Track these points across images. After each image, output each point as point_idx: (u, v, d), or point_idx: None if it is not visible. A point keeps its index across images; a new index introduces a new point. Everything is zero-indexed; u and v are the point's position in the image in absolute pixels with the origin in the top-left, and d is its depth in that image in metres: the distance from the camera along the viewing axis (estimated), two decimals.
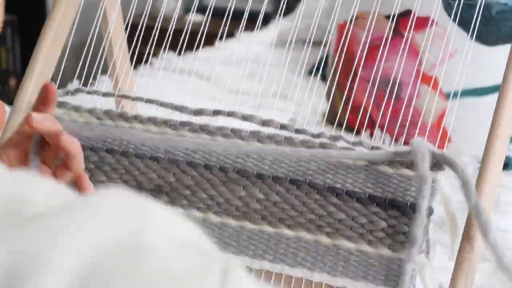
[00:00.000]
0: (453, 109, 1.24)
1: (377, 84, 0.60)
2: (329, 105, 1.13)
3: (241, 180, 0.77)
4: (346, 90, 0.75)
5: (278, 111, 1.31)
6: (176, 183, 0.80)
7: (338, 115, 0.69)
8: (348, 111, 0.74)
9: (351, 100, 0.72)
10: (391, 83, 0.59)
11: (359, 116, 0.61)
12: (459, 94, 1.23)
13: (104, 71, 0.96)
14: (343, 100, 0.66)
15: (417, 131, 0.89)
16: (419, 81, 1.24)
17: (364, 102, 0.66)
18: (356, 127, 0.65)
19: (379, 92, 1.17)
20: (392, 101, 1.19)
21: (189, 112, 0.82)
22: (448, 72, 1.19)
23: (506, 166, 1.33)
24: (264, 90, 0.87)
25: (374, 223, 0.73)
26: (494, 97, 1.25)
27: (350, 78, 1.02)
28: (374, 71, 0.62)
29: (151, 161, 0.81)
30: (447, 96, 1.27)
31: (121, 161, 0.82)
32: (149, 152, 0.81)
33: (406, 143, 0.90)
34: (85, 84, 0.91)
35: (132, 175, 0.81)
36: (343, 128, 0.69)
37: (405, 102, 0.57)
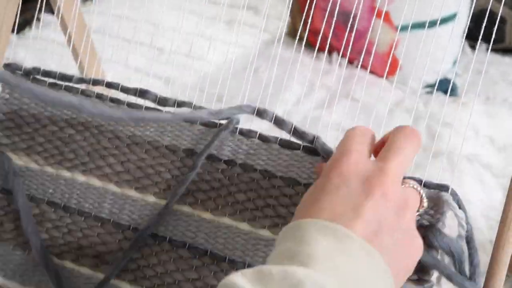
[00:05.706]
0: (404, 40, 1.36)
1: (335, 15, 0.69)
2: (290, 23, 1.24)
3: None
4: (304, 14, 0.85)
5: (248, 27, 1.39)
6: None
7: (298, 34, 0.78)
8: (307, 31, 0.83)
9: (310, 24, 0.80)
10: (351, 16, 0.69)
11: (319, 39, 0.71)
12: (409, 27, 1.36)
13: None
14: (302, 23, 0.76)
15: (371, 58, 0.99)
16: (374, 15, 1.36)
17: (323, 28, 0.77)
18: (316, 48, 0.75)
19: (337, 23, 1.28)
20: (349, 32, 1.29)
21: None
22: (399, 7, 1.31)
23: (452, 92, 1.46)
24: (235, 2, 0.92)
25: None
26: (440, 28, 1.38)
27: (307, 5, 1.13)
28: (331, 3, 0.72)
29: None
30: (398, 28, 1.39)
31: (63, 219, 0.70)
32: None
33: (361, 67, 1.01)
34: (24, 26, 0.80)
35: (75, 236, 0.70)
36: (303, 44, 0.77)
37: (360, 33, 0.66)
